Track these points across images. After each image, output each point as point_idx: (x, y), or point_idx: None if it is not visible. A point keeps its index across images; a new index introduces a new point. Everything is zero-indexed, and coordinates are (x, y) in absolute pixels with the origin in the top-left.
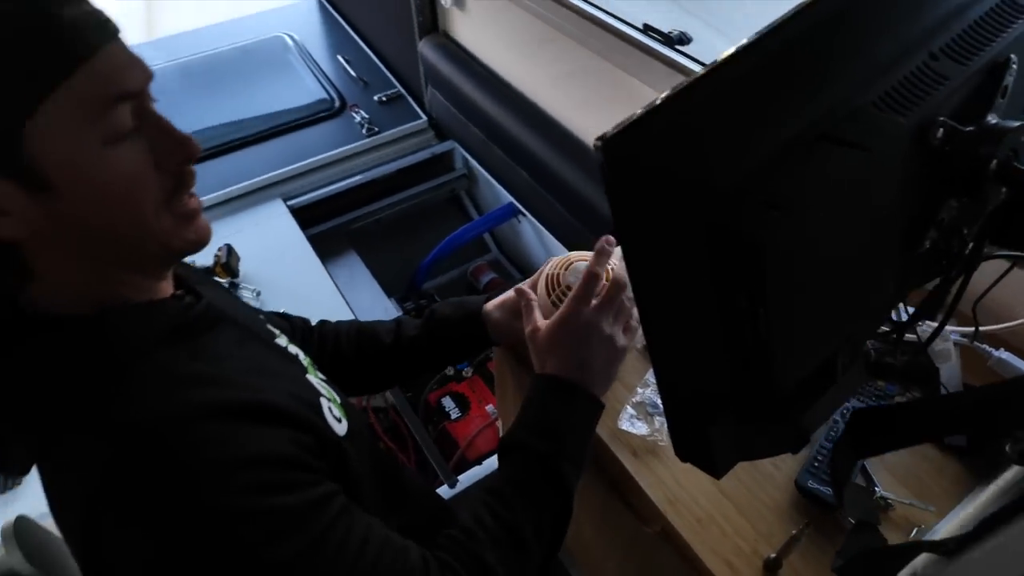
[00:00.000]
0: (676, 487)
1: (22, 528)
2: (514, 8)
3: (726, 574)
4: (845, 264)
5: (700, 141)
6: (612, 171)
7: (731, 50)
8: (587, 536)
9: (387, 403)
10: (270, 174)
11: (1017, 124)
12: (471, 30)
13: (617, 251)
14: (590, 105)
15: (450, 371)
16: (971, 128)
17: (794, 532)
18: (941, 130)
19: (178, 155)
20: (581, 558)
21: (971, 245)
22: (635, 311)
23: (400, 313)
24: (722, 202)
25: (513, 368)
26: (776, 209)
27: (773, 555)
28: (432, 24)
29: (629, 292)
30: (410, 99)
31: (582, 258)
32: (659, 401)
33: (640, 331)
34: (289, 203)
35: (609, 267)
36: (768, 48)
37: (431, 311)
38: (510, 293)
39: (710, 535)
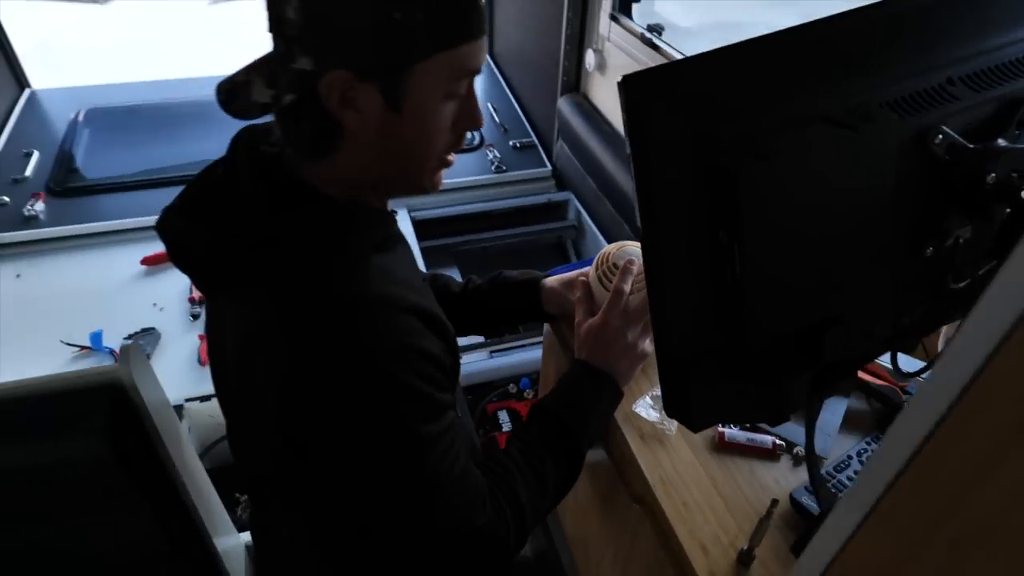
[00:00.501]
0: (672, 472)
1: (133, 351)
2: (639, 66)
3: (699, 557)
4: (829, 235)
5: (712, 97)
6: (628, 107)
7: (772, 32)
8: (582, 502)
9: None
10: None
11: (1019, 146)
12: (606, 91)
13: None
14: None
15: (512, 388)
16: (977, 145)
17: (762, 516)
18: (940, 136)
19: (468, 124)
20: (572, 523)
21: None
22: None
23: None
24: (716, 146)
25: (557, 351)
26: (761, 159)
27: (746, 547)
28: (574, 84)
29: None
30: (540, 149)
31: (634, 244)
32: None
33: None
34: (413, 214)
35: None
36: (804, 37)
37: (499, 271)
38: (570, 273)
39: (692, 520)
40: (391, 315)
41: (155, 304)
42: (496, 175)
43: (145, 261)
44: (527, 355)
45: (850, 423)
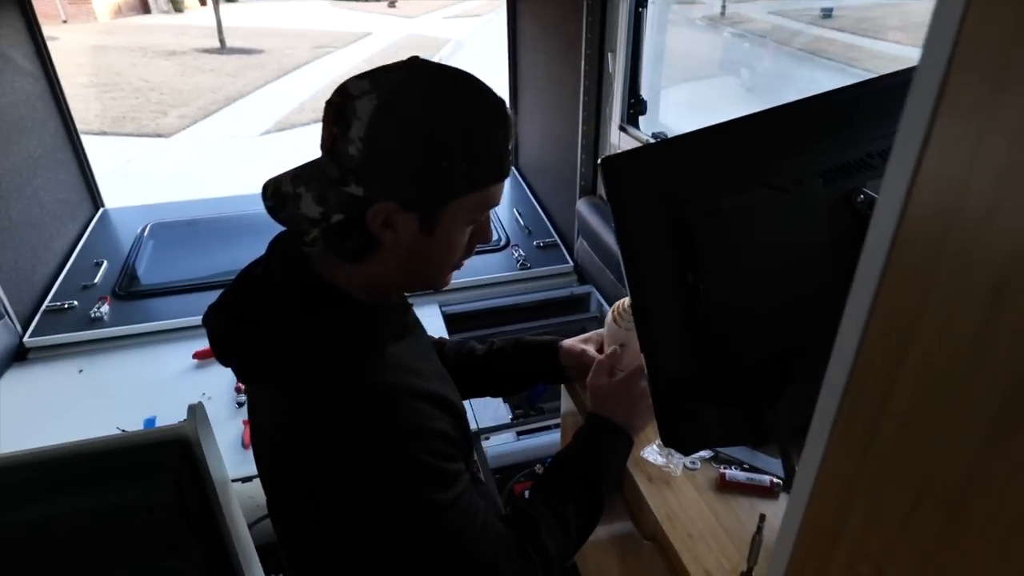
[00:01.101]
0: (678, 509)
1: (199, 410)
2: None
3: None
4: (778, 279)
5: (673, 169)
6: (608, 180)
7: (724, 121)
8: (601, 546)
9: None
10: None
11: None
12: None
13: None
14: None
15: (539, 468)
16: None
17: (755, 532)
18: (862, 196)
19: (481, 240)
20: (590, 560)
21: None
22: None
23: (511, 416)
24: (680, 204)
25: (575, 409)
26: (712, 215)
27: (746, 568)
28: (591, 188)
29: None
30: (562, 247)
31: None
32: None
33: None
34: (444, 309)
35: None
36: (750, 124)
37: (521, 336)
38: (586, 335)
39: (697, 549)
40: (404, 400)
41: (204, 393)
42: (521, 271)
43: (196, 355)
44: (554, 437)
45: None
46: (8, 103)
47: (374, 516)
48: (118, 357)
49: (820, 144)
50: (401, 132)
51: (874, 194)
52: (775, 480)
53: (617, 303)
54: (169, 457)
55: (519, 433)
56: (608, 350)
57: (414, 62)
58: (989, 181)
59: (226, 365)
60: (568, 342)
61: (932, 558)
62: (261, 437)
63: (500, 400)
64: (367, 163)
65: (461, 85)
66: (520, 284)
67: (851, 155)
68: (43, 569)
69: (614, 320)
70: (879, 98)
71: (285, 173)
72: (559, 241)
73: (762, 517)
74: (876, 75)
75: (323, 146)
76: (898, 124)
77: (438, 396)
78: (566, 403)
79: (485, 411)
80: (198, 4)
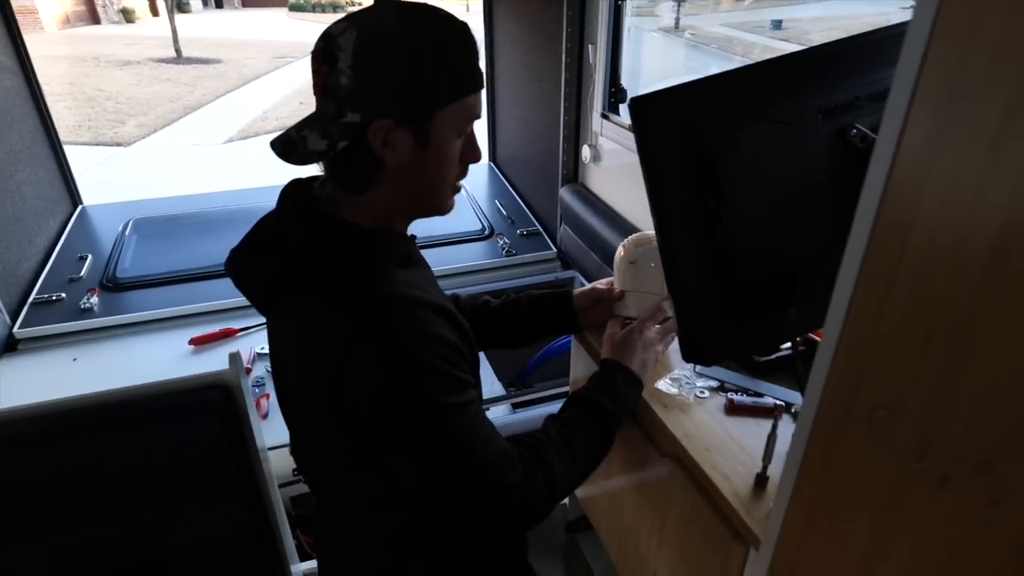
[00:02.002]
0: (693, 429)
1: (238, 359)
2: (631, 155)
3: (724, 485)
4: (789, 201)
5: (693, 106)
6: (636, 118)
7: (734, 67)
8: (615, 468)
9: None
10: (433, 269)
11: None
12: (600, 178)
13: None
14: None
15: None
16: None
17: (769, 433)
18: (855, 130)
19: (471, 157)
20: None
21: None
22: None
23: (504, 392)
24: (701, 137)
25: (584, 356)
26: (731, 143)
27: (760, 470)
28: (572, 176)
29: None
30: (545, 235)
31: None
32: (687, 376)
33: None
34: None
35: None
36: (756, 70)
37: (530, 290)
38: (593, 286)
39: (714, 459)
40: (413, 308)
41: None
42: (506, 258)
43: (193, 341)
44: (549, 409)
45: None
46: None
47: (389, 417)
48: (112, 346)
49: (816, 87)
50: (384, 54)
51: (865, 129)
52: (777, 402)
53: (625, 240)
54: (215, 400)
55: (514, 406)
56: (617, 285)
57: (384, 1)
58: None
59: (249, 297)
60: (578, 294)
61: (941, 388)
62: (283, 363)
63: (493, 376)
64: (359, 88)
65: (429, 11)
66: (506, 271)
67: (842, 98)
68: (102, 504)
69: (624, 247)
70: (863, 51)
71: (289, 128)
72: (541, 229)
73: (777, 416)
74: (862, 32)
75: (316, 90)
76: (880, 74)
77: (445, 309)
78: (576, 369)
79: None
80: (149, 15)
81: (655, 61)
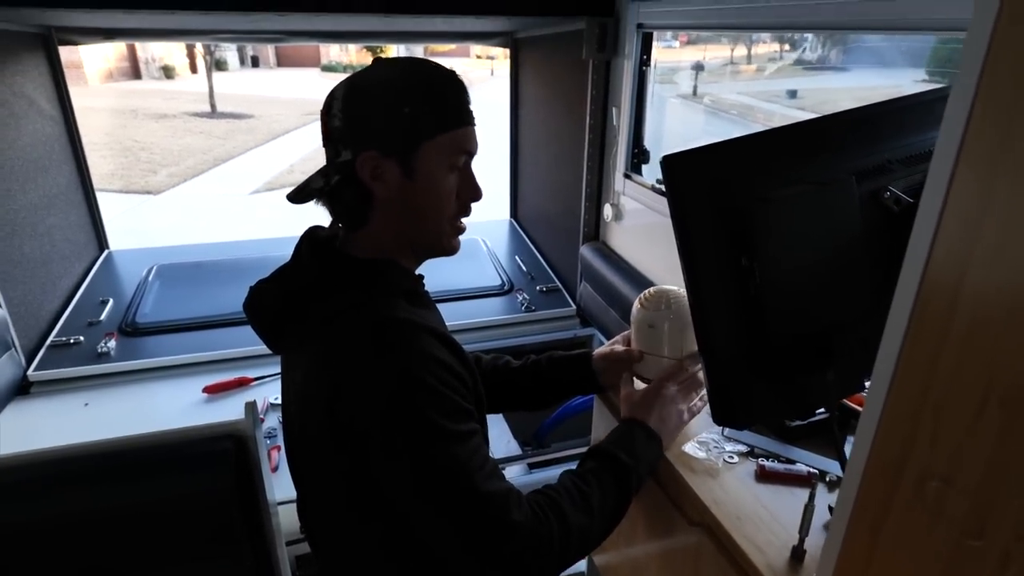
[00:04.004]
0: (722, 494)
1: (254, 408)
2: (652, 214)
3: (758, 556)
4: (822, 261)
5: (727, 165)
6: (668, 175)
7: (768, 128)
8: (639, 540)
9: None
10: (451, 323)
11: None
12: (622, 237)
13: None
14: None
15: None
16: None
17: (806, 502)
18: (888, 193)
19: (469, 193)
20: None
21: None
22: (699, 403)
23: (520, 452)
24: (734, 196)
25: (607, 415)
26: (764, 202)
27: (797, 542)
28: (594, 234)
29: (702, 392)
30: (564, 292)
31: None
32: (716, 439)
33: (699, 405)
34: None
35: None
36: (791, 131)
37: (553, 351)
38: (611, 348)
39: (745, 529)
40: (411, 331)
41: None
42: (526, 314)
43: (207, 389)
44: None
45: None
46: (29, 143)
47: (386, 439)
48: (125, 392)
49: (849, 150)
50: (369, 94)
51: (899, 192)
52: (811, 470)
53: (641, 295)
54: (228, 450)
55: (530, 466)
56: (635, 344)
57: (377, 59)
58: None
59: (259, 331)
60: (599, 350)
61: (997, 456)
62: (289, 399)
63: (510, 435)
64: (347, 128)
65: (416, 60)
66: (525, 327)
67: (875, 161)
68: (104, 556)
69: (641, 306)
70: (894, 116)
71: None
72: (561, 286)
73: (813, 485)
74: (897, 96)
75: (323, 142)
76: (911, 138)
77: (447, 337)
78: (597, 429)
79: (496, 445)
80: (189, 72)
81: (676, 125)
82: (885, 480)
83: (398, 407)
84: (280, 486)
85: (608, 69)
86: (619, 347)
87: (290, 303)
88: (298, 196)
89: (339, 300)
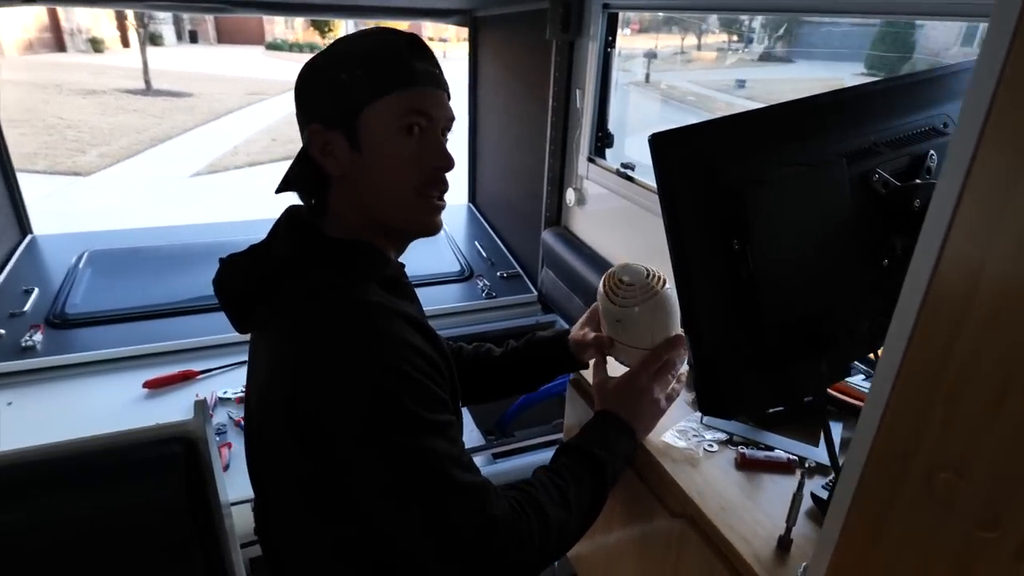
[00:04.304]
0: (705, 486)
1: (204, 407)
2: (616, 198)
3: (745, 548)
4: (812, 245)
5: (717, 146)
6: (657, 155)
7: (758, 108)
8: (614, 526)
9: None
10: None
11: (929, 183)
12: (585, 221)
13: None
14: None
15: None
16: (903, 183)
17: (794, 492)
18: (877, 176)
19: (434, 160)
20: (609, 543)
21: None
22: (676, 387)
23: (484, 442)
24: (725, 177)
25: (580, 403)
26: (757, 183)
27: (784, 532)
28: (556, 219)
29: (680, 376)
30: (525, 278)
31: (636, 264)
32: (695, 427)
33: (677, 389)
34: None
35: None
36: (780, 111)
37: (533, 332)
38: (583, 334)
39: (730, 519)
40: (386, 315)
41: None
42: (486, 301)
43: (148, 384)
44: (529, 459)
45: (844, 444)
46: None
47: (352, 429)
48: (54, 389)
49: (836, 132)
50: (314, 66)
51: (887, 175)
52: (791, 456)
53: (607, 274)
54: (176, 454)
55: (495, 456)
56: (605, 331)
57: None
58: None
59: (227, 307)
60: (573, 332)
61: (1016, 446)
62: (250, 386)
63: (472, 425)
64: (299, 106)
65: (372, 29)
66: (486, 313)
67: (862, 143)
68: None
69: (607, 296)
70: (881, 98)
71: None
72: (521, 272)
73: (802, 473)
74: (883, 77)
75: None
76: (898, 121)
77: (419, 321)
78: (570, 415)
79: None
80: (120, 45)
81: (630, 111)
82: (890, 471)
83: (368, 394)
84: (232, 484)
85: (572, 50)
86: (590, 334)
87: (261, 280)
88: (281, 187)
89: (309, 280)
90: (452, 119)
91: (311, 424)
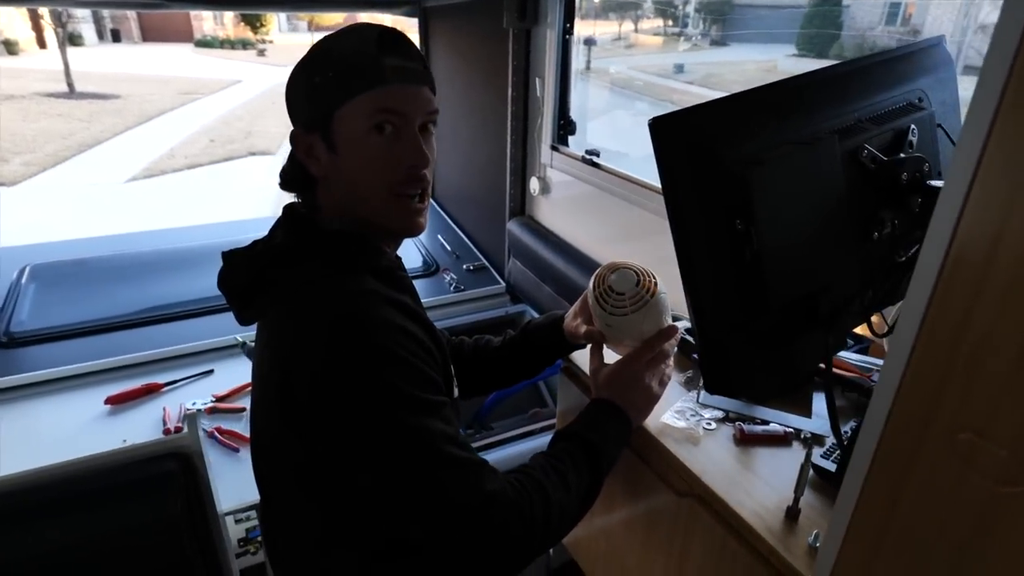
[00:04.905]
0: (708, 463)
1: (193, 418)
2: (582, 185)
3: (757, 521)
4: (810, 222)
5: (716, 128)
6: (658, 139)
7: (751, 88)
8: (616, 508)
9: None
10: None
11: (914, 156)
12: (550, 210)
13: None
14: (642, 256)
15: None
16: (889, 158)
17: (802, 463)
18: (865, 151)
19: (408, 159)
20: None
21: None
22: (668, 374)
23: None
24: (724, 158)
25: (572, 388)
26: (759, 164)
27: (792, 502)
28: (520, 209)
29: (669, 361)
30: (492, 270)
31: (625, 265)
32: (691, 407)
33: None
34: None
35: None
36: (772, 91)
37: (529, 320)
38: (576, 325)
39: (738, 494)
40: (374, 301)
41: (124, 440)
42: (455, 294)
43: (110, 400)
44: (514, 449)
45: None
46: None
47: (347, 415)
48: (10, 412)
49: (823, 110)
50: (294, 73)
51: (875, 151)
52: (787, 429)
53: (596, 276)
54: (172, 471)
55: (477, 449)
56: (597, 325)
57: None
58: None
59: (230, 298)
60: (567, 322)
61: None
62: (255, 376)
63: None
64: (287, 109)
65: (352, 26)
66: (455, 307)
67: (849, 120)
68: None
69: (598, 303)
70: (859, 76)
71: None
72: (488, 264)
73: (809, 445)
74: (859, 56)
75: None
76: (879, 97)
77: (418, 314)
78: (563, 401)
79: None
80: (36, 47)
81: (581, 99)
82: (910, 434)
83: (360, 376)
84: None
85: (529, 38)
86: (582, 327)
87: (260, 272)
88: (281, 184)
89: (304, 270)
90: (433, 112)
91: (305, 409)
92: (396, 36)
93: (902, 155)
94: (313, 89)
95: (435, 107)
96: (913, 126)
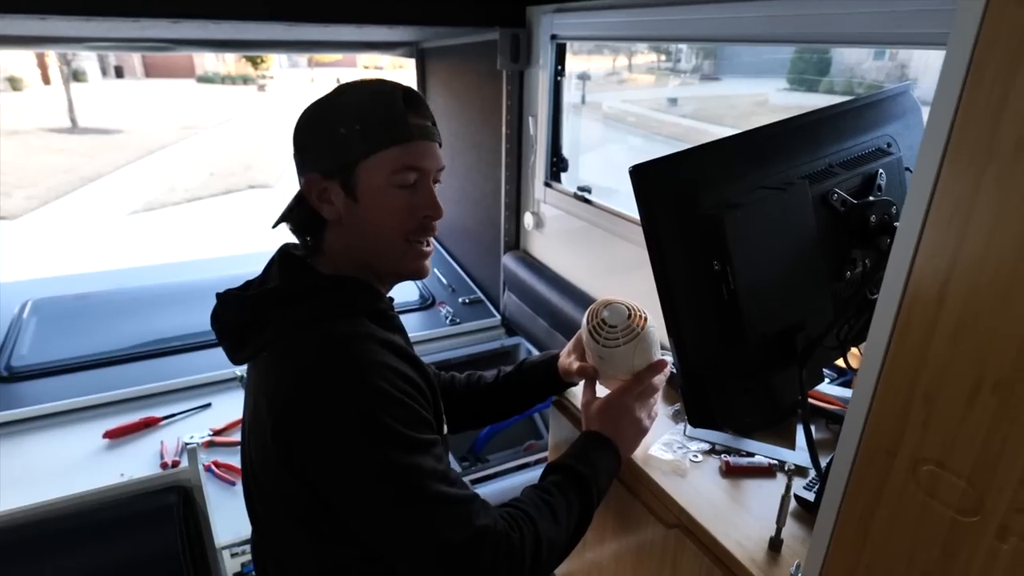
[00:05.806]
0: (694, 494)
1: (193, 452)
2: (574, 220)
3: (740, 552)
4: (784, 261)
5: (693, 174)
6: (638, 186)
7: (726, 136)
8: (607, 539)
9: None
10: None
11: (882, 199)
12: (544, 244)
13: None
14: (631, 290)
15: None
16: (859, 201)
17: (783, 494)
18: (835, 195)
19: (425, 210)
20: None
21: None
22: (656, 408)
23: (459, 469)
24: (701, 202)
25: (563, 422)
26: (733, 208)
27: (774, 533)
28: (515, 243)
29: (657, 396)
30: (488, 303)
31: (618, 301)
32: (679, 439)
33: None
34: None
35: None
36: (747, 139)
37: (525, 358)
38: (569, 361)
39: (723, 526)
40: (366, 343)
41: (122, 474)
42: (451, 327)
43: (108, 434)
44: (503, 484)
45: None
46: None
47: (340, 454)
48: (10, 445)
49: (796, 156)
50: (314, 118)
51: (845, 194)
52: (772, 461)
53: (591, 311)
54: (173, 505)
55: (472, 482)
56: (589, 360)
57: (340, 84)
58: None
59: (222, 339)
60: (561, 359)
61: (992, 438)
62: (247, 415)
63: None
64: (298, 154)
65: (370, 81)
66: (451, 339)
67: (819, 165)
68: None
69: (591, 335)
70: (830, 123)
71: None
72: (484, 297)
73: (790, 477)
74: (830, 104)
75: None
76: (847, 143)
77: (409, 354)
78: (555, 434)
79: None
80: (41, 83)
81: (575, 133)
82: (876, 466)
83: (350, 414)
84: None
85: (522, 79)
86: (575, 363)
87: (254, 313)
88: (277, 221)
89: (298, 312)
90: (442, 168)
91: (300, 447)
92: (417, 96)
93: (871, 198)
94: (338, 139)
95: (443, 163)
96: (881, 170)
